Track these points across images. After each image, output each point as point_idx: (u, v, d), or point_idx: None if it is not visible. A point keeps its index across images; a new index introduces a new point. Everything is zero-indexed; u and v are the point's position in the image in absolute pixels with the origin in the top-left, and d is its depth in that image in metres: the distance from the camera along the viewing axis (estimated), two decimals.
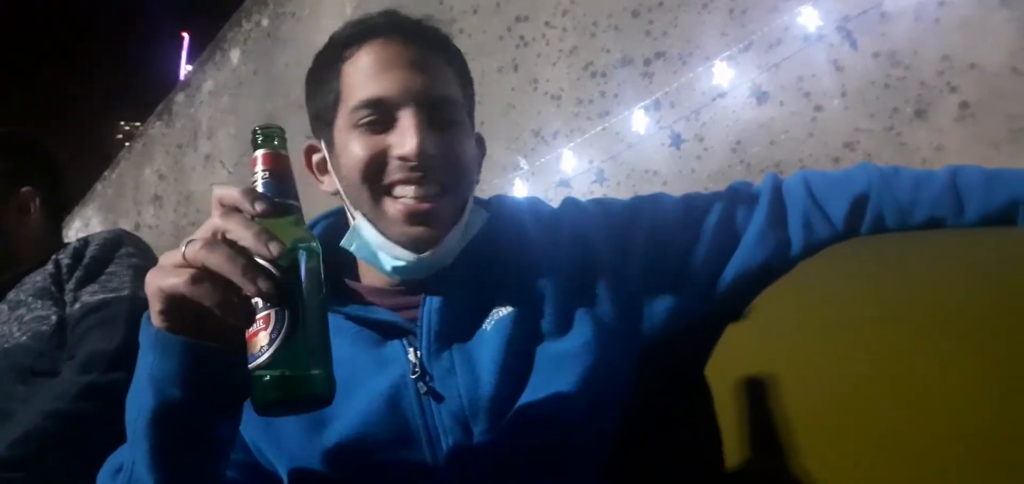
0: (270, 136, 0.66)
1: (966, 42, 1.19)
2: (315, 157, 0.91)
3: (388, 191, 0.82)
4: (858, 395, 0.75)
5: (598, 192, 1.55)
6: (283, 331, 0.60)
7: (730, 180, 1.08)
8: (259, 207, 0.63)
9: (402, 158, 0.80)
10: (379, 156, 0.81)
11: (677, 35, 1.48)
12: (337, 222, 0.93)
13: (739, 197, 0.94)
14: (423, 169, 0.81)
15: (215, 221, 0.62)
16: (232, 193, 0.63)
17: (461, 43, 0.91)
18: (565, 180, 1.58)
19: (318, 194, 0.90)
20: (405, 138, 0.80)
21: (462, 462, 0.80)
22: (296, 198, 0.66)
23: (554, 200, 0.97)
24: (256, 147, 0.65)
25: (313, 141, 0.91)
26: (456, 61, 0.88)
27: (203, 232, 0.62)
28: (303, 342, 0.61)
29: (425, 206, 0.82)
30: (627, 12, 1.55)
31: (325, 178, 0.89)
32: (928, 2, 1.21)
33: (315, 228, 0.92)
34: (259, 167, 0.65)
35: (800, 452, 0.77)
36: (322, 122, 0.88)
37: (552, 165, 1.61)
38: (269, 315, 0.60)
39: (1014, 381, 0.65)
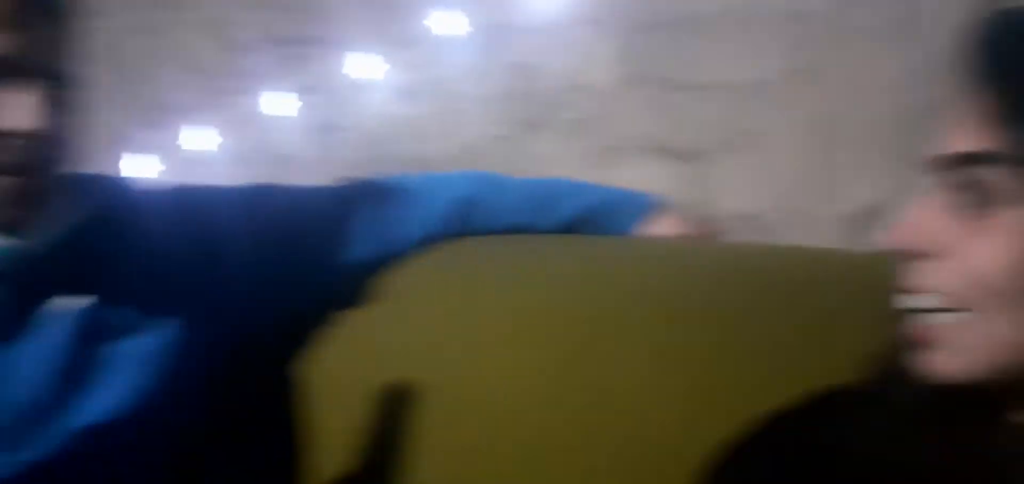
0: None
1: (580, 64, 1.33)
2: None
3: None
4: (453, 390, 0.80)
5: (234, 174, 1.48)
6: None
7: (369, 172, 1.09)
8: None
9: (11, 133, 0.67)
10: None
11: (327, 22, 1.46)
12: None
13: (357, 192, 0.95)
14: (30, 147, 0.68)
15: None
16: None
17: None
18: (196, 158, 1.48)
19: None
20: (21, 109, 0.67)
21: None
22: None
23: (183, 179, 0.89)
24: None
25: None
26: (64, 17, 0.75)
27: None
28: None
29: (18, 183, 0.69)
30: None
31: None
32: (552, 24, 1.33)
33: None
34: None
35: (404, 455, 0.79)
36: None
37: (182, 140, 1.49)
38: None
39: (580, 381, 0.74)
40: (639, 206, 0.97)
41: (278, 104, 1.44)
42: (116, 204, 0.83)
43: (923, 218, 0.46)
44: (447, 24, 1.35)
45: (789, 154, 1.25)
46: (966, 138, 0.44)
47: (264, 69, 1.49)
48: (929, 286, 0.47)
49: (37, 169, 0.72)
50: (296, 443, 0.83)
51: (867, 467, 0.52)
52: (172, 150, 1.50)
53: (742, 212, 1.27)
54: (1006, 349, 0.44)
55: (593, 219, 0.95)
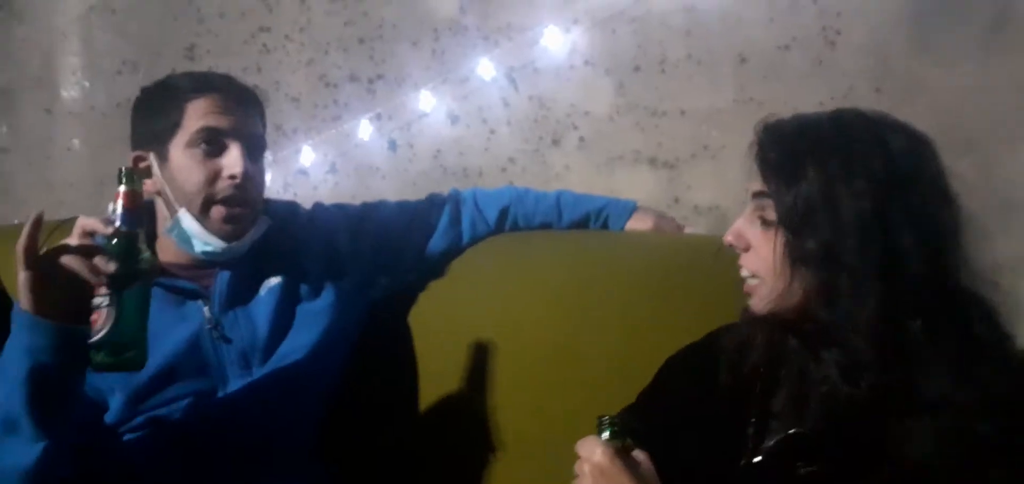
0: (129, 177, 0.93)
1: (585, 96, 1.77)
2: (141, 164, 1.19)
3: (215, 198, 1.16)
4: (506, 337, 1.28)
5: (330, 182, 1.95)
6: (111, 322, 0.89)
7: (432, 179, 1.60)
8: (110, 230, 0.91)
9: (231, 177, 1.16)
10: (213, 173, 1.15)
11: (393, 63, 1.92)
12: None
13: (433, 204, 1.44)
14: (243, 186, 1.17)
15: (72, 239, 0.92)
16: (91, 222, 0.92)
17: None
18: (303, 170, 1.96)
19: None
20: (235, 163, 1.16)
21: (243, 385, 1.20)
22: (142, 224, 0.93)
23: (294, 187, 1.35)
24: (119, 183, 0.93)
25: (139, 153, 1.20)
26: (261, 109, 1.24)
27: (65, 247, 0.90)
28: (123, 331, 0.90)
29: (238, 211, 1.18)
30: (355, 38, 1.95)
31: (147, 181, 1.17)
32: (563, 65, 1.78)
33: None
34: (118, 202, 0.92)
35: (491, 390, 1.28)
36: (156, 139, 1.17)
37: (292, 157, 1.97)
38: (102, 309, 0.89)
39: (597, 328, 1.22)
40: (625, 209, 1.45)
41: (363, 129, 1.92)
42: (290, 219, 1.33)
43: (742, 228, 0.93)
44: (485, 67, 1.81)
45: (738, 162, 1.69)
46: (759, 182, 0.91)
47: (351, 100, 1.96)
48: (746, 266, 0.94)
49: (249, 201, 1.21)
50: (409, 373, 1.33)
51: (733, 356, 1.00)
52: (286, 164, 1.99)
53: (706, 205, 1.73)
54: (780, 296, 0.91)
55: (593, 220, 1.44)
